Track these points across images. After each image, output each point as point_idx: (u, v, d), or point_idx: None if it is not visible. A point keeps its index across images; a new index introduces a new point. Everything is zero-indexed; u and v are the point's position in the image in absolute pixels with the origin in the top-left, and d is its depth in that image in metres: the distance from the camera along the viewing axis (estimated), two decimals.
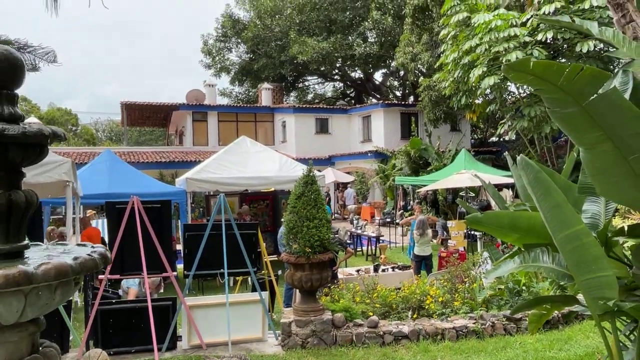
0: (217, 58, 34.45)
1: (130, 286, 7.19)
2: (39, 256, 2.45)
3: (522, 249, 3.65)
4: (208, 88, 29.82)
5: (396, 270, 8.59)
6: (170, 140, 36.56)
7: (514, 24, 12.58)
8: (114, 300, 6.14)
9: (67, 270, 2.16)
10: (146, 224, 5.47)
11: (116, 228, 5.57)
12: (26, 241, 2.43)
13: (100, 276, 5.75)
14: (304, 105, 29.21)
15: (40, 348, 2.43)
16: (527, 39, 12.46)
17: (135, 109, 28.51)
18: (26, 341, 2.33)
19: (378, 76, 36.39)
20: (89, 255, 2.35)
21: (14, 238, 2.35)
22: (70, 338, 5.94)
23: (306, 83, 38.90)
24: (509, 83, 14.13)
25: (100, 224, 15.95)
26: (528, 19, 12.72)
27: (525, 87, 14.44)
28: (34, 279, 2.06)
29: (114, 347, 5.68)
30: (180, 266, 9.07)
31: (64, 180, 7.18)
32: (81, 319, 6.83)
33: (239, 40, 33.46)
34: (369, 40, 30.46)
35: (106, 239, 12.33)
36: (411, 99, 29.64)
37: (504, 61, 12.54)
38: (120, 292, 7.00)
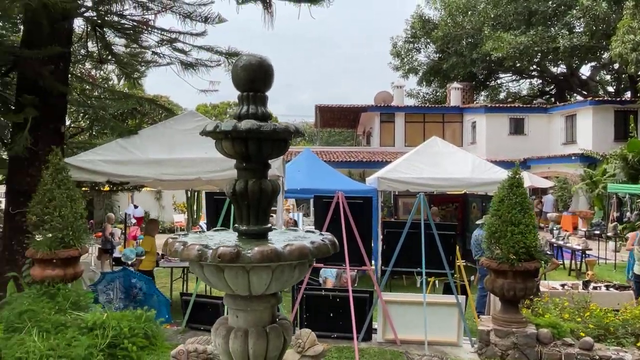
0: (405, 59, 34.71)
1: (328, 277, 7.69)
2: (277, 238, 2.78)
3: None
4: (396, 89, 30.27)
5: (611, 289, 7.52)
6: (358, 140, 38.13)
7: None
8: (317, 287, 6.64)
9: (307, 252, 2.41)
10: (349, 218, 5.79)
11: (322, 220, 6.02)
12: (269, 224, 2.78)
13: None
14: (497, 105, 27.53)
15: (277, 320, 2.76)
16: None
17: (328, 111, 30.45)
18: (268, 311, 2.67)
19: (585, 70, 32.38)
20: (322, 240, 2.58)
21: (261, 221, 2.71)
22: None
23: (499, 81, 36.65)
24: None
25: (296, 216, 17.44)
26: None
27: None
28: (282, 257, 2.34)
29: (316, 330, 6.13)
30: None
31: (276, 175, 8.01)
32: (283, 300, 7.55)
33: (429, 40, 33.15)
34: (575, 30, 27.29)
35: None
36: (628, 94, 25.66)
37: None
38: (320, 280, 7.55)
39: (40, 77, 7.43)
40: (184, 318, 6.66)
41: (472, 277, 8.89)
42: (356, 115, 30.93)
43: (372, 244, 9.32)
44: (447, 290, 7.21)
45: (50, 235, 5.89)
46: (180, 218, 22.03)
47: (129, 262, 7.77)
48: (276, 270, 2.43)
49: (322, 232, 2.88)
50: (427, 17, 32.92)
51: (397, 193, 15.26)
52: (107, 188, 16.44)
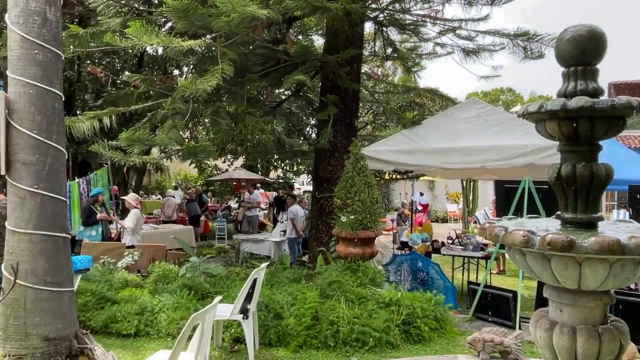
0: None
1: None
2: (607, 230, 2.44)
3: None
4: None
5: None
6: None
7: None
8: (628, 292, 5.70)
9: None
10: None
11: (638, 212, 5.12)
12: (600, 213, 2.47)
13: None
14: None
15: (609, 321, 2.44)
16: None
17: (625, 90, 25.83)
18: (599, 310, 2.38)
19: None
20: None
21: (591, 209, 2.43)
22: None
23: None
24: None
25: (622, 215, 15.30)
26: None
27: None
28: (626, 250, 2.05)
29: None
30: None
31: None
32: None
33: None
34: None
35: None
36: None
37: None
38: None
39: (339, 78, 8.47)
40: (470, 307, 6.63)
41: None
42: None
43: None
44: None
45: (352, 217, 6.66)
46: (454, 208, 22.08)
47: (415, 247, 8.18)
48: (615, 264, 2.14)
49: None
50: None
51: None
52: (387, 177, 17.69)
